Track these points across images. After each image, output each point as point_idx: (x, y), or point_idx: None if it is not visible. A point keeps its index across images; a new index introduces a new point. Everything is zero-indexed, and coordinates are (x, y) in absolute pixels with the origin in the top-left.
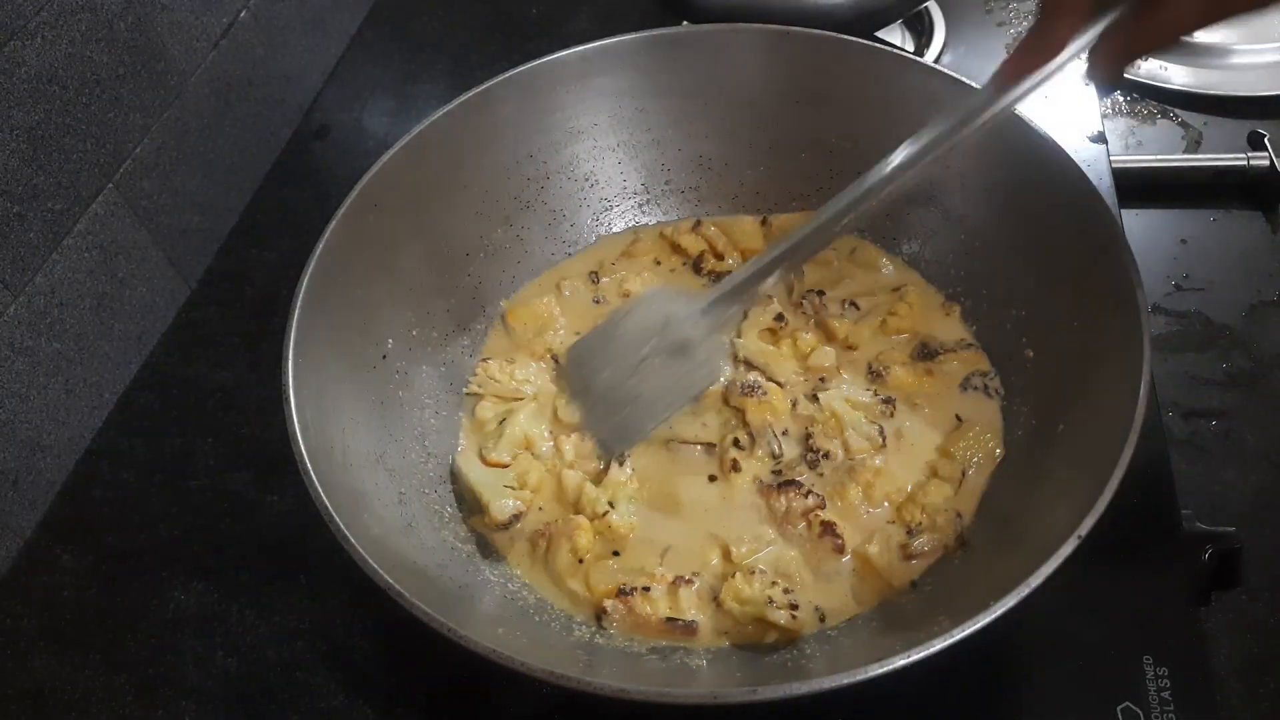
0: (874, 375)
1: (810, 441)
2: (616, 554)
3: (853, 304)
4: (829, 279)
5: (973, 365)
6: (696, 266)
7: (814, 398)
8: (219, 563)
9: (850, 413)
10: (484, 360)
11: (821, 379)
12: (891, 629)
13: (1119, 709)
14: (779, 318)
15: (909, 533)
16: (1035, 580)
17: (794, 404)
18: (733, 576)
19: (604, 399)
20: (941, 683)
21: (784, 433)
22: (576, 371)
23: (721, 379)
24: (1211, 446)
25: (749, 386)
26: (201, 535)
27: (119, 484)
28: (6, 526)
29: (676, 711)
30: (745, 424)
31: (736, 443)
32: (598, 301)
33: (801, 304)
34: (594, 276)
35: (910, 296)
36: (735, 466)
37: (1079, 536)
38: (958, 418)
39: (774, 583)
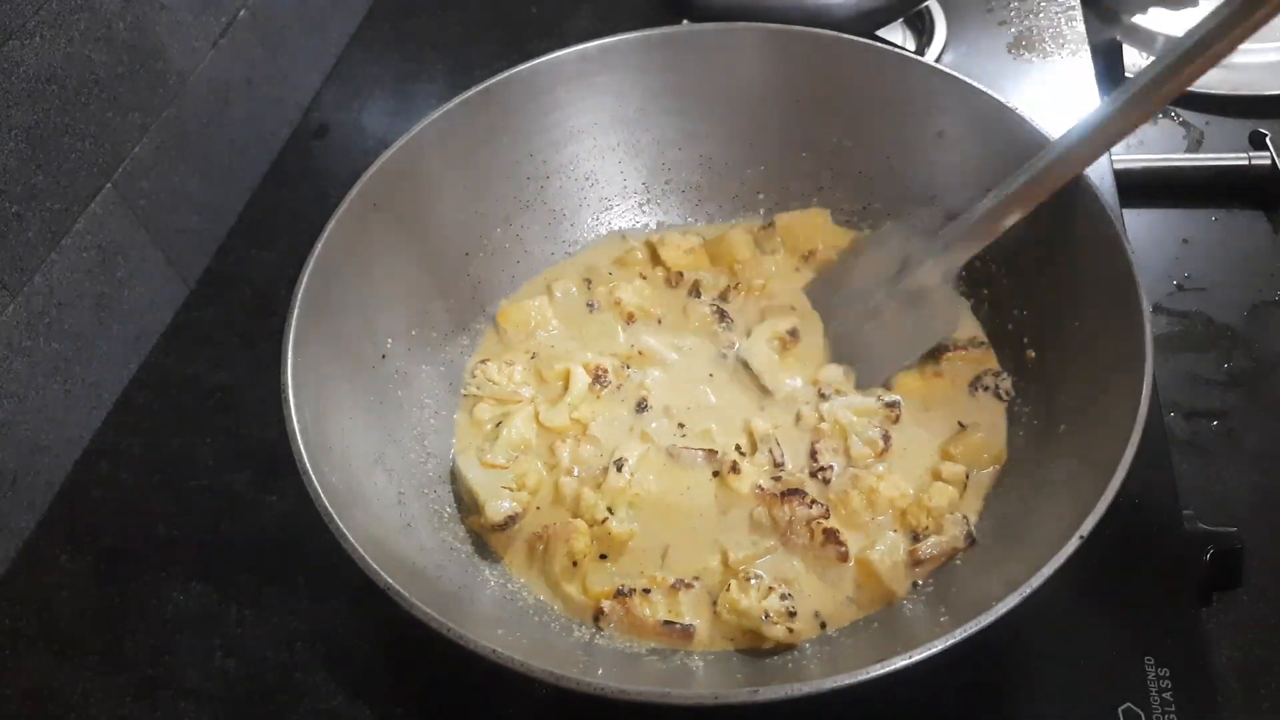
0: (882, 385)
1: (816, 456)
2: (615, 558)
3: None
4: None
5: (982, 364)
6: (695, 292)
7: (818, 408)
8: (218, 563)
9: (853, 420)
10: (482, 362)
11: (828, 388)
12: (893, 630)
13: (1120, 709)
14: (793, 333)
15: (915, 538)
16: (1037, 580)
17: (798, 417)
18: (728, 588)
19: (842, 340)
20: (943, 683)
21: (778, 441)
22: (818, 307)
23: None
24: (1213, 447)
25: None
26: (200, 535)
27: (118, 484)
28: (5, 527)
29: (676, 712)
30: (748, 431)
31: (738, 448)
32: (591, 306)
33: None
34: (588, 283)
35: None
36: (735, 468)
37: (1081, 537)
38: (960, 424)
39: (771, 589)
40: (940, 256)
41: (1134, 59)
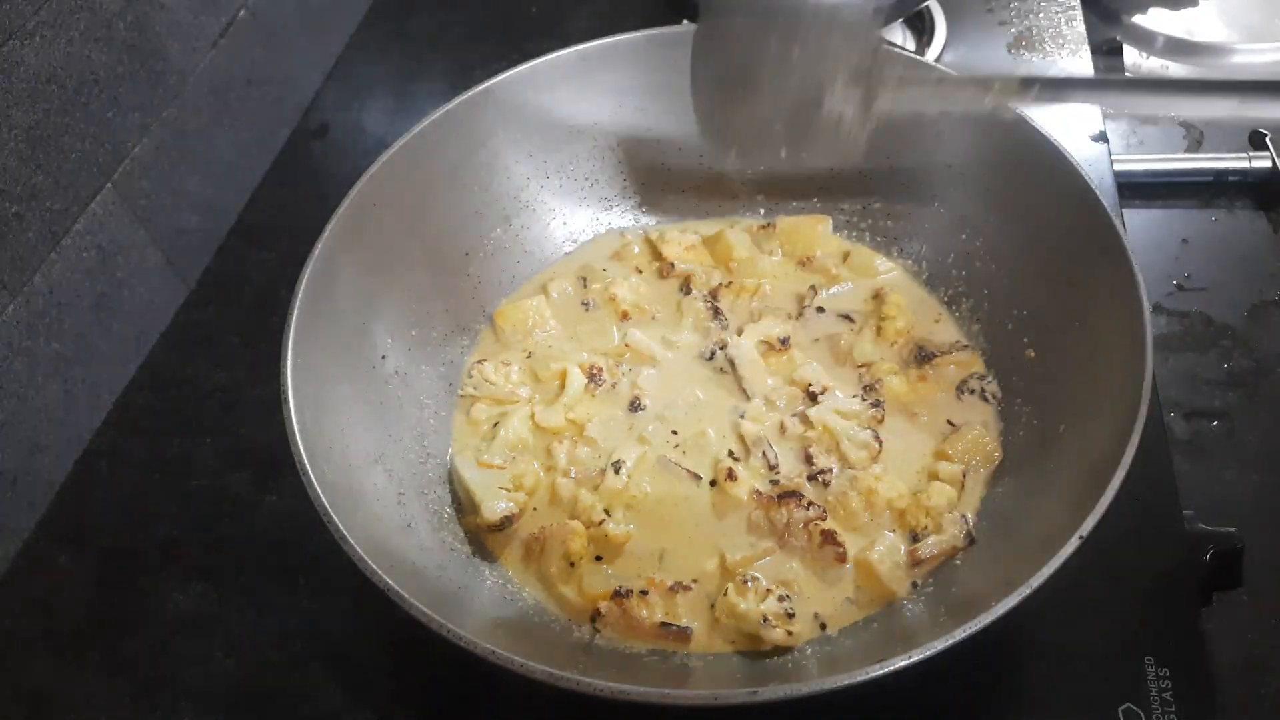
0: (867, 390)
1: (811, 460)
2: (611, 560)
3: (847, 317)
4: (823, 282)
5: (968, 368)
6: (686, 287)
7: (805, 415)
8: (218, 563)
9: (842, 423)
10: (479, 362)
11: (811, 393)
12: (892, 630)
13: (1120, 710)
14: (784, 341)
15: (915, 538)
16: (1036, 581)
17: (781, 426)
18: (725, 592)
19: (739, 129)
20: (942, 683)
21: (770, 443)
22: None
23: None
24: (1213, 447)
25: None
26: (200, 536)
27: (117, 484)
28: (5, 527)
29: (676, 713)
30: (739, 436)
31: (731, 454)
32: (586, 305)
33: (803, 312)
34: (583, 281)
35: (892, 298)
36: (731, 475)
37: (1081, 537)
38: (950, 423)
39: (769, 591)
40: (865, 80)
41: (1134, 58)
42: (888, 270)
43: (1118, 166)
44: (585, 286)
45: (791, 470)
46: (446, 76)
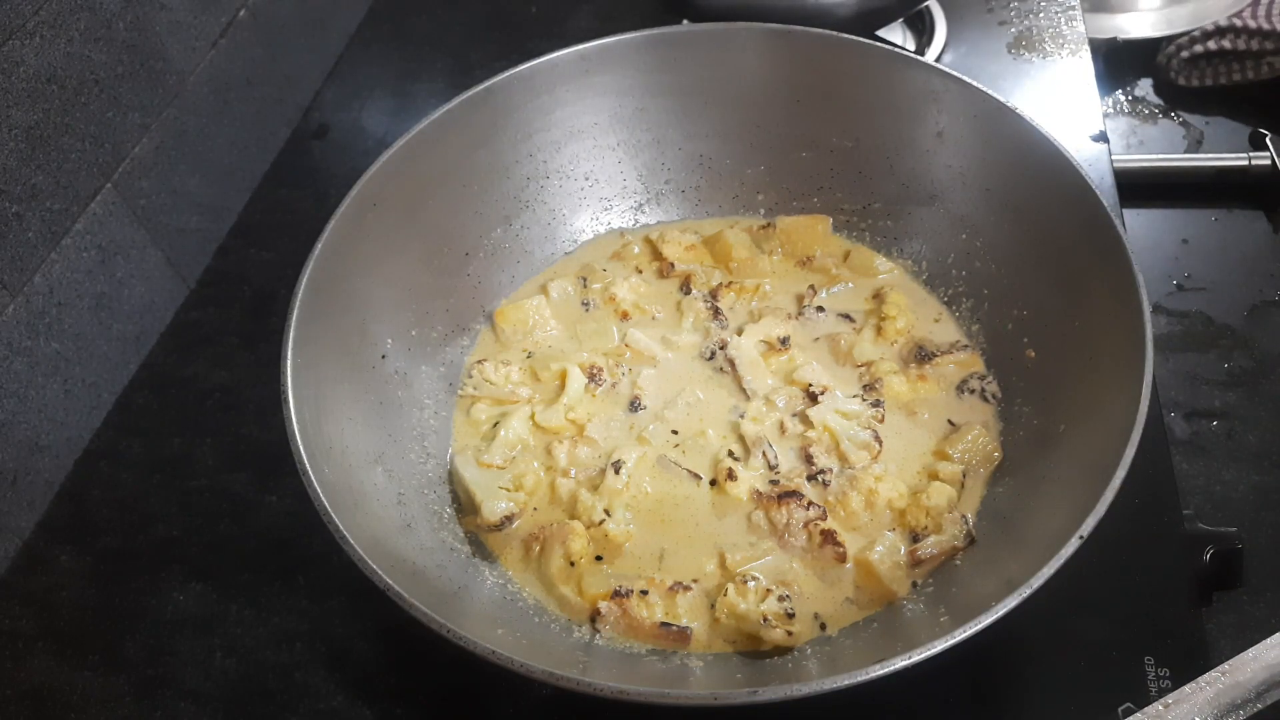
0: (867, 389)
1: (811, 460)
2: (611, 560)
3: (847, 317)
4: (823, 281)
5: (968, 368)
6: (685, 287)
7: (805, 415)
8: (217, 563)
9: (842, 423)
10: (479, 362)
11: (811, 393)
12: (892, 630)
13: (1120, 709)
14: (784, 340)
15: (915, 538)
16: (1037, 581)
17: (781, 426)
18: (725, 592)
19: None
20: (943, 683)
21: (770, 443)
22: None
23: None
24: (1213, 447)
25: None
26: (200, 535)
27: (117, 484)
28: (5, 527)
29: (676, 712)
30: (739, 435)
31: (731, 454)
32: (586, 305)
33: (803, 312)
34: (583, 281)
35: (892, 297)
36: (731, 475)
37: (1081, 537)
38: (950, 423)
39: (769, 591)
40: None
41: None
42: (888, 270)
43: (1118, 166)
44: (585, 286)
45: (791, 470)
46: (446, 76)
